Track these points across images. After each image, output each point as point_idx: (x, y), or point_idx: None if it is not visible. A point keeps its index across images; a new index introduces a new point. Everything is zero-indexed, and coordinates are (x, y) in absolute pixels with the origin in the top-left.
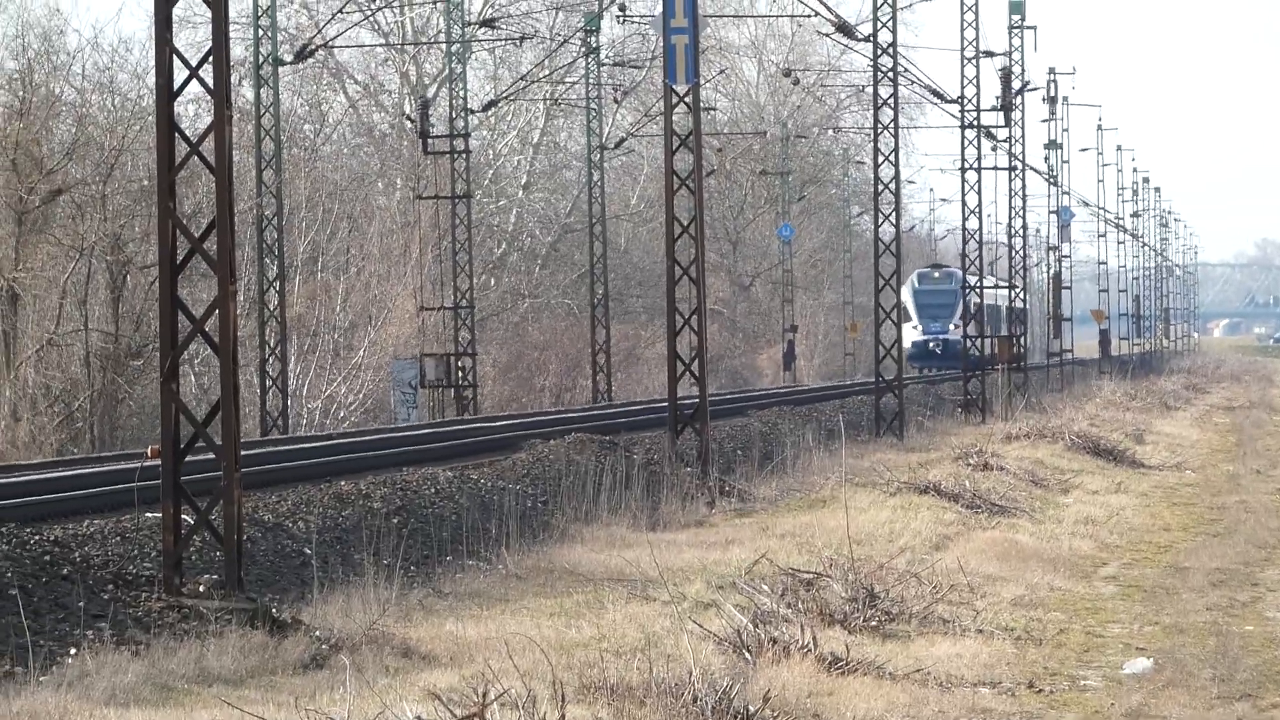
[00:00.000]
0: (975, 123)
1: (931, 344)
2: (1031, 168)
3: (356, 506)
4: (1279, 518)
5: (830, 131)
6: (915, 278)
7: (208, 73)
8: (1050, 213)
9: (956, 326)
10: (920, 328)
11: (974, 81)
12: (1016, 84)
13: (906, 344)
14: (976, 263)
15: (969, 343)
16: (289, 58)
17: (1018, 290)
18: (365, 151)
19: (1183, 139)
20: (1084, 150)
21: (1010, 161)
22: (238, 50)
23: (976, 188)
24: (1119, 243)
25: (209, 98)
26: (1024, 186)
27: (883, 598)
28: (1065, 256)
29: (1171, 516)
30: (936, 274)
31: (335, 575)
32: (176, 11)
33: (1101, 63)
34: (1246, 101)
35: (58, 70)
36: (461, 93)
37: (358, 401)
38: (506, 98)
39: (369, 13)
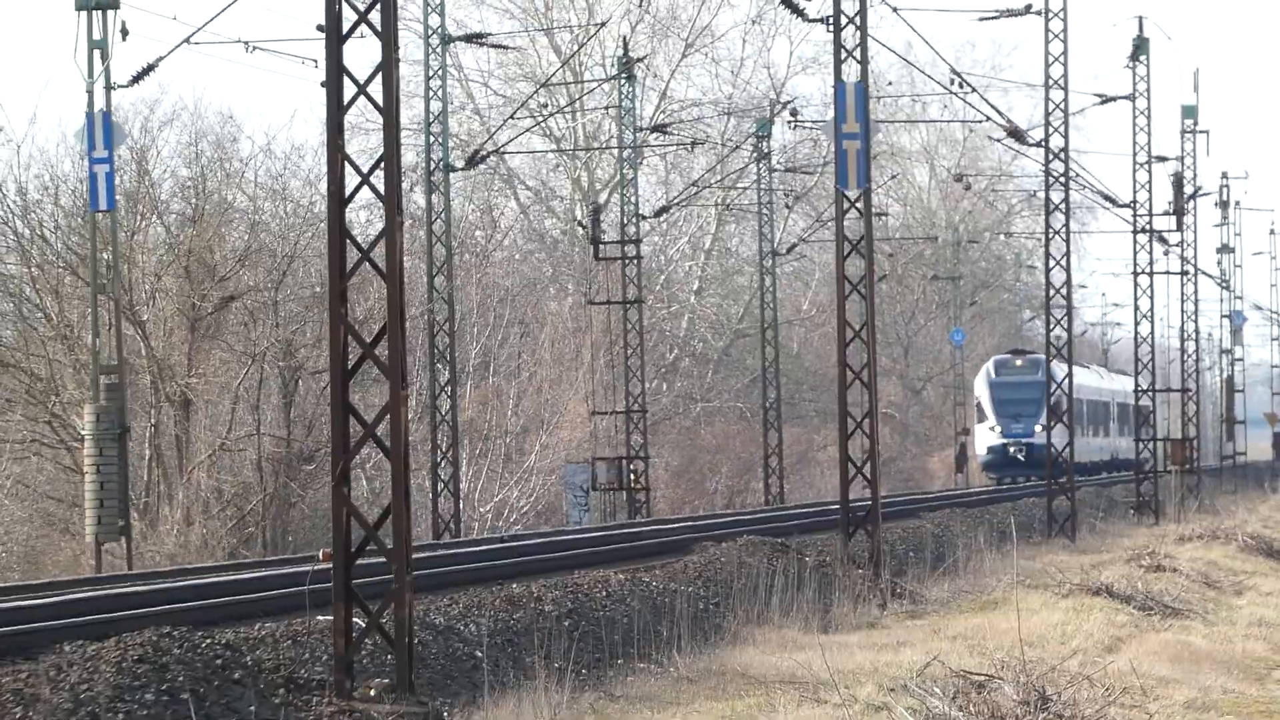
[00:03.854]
0: (1147, 227)
1: (1012, 449)
2: (1204, 272)
3: (528, 609)
4: None
5: (1002, 236)
6: (991, 366)
7: (379, 179)
8: (1223, 316)
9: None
10: (998, 428)
11: (1146, 186)
12: (1189, 189)
13: (980, 449)
14: (1149, 365)
15: (1141, 447)
16: (460, 164)
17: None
18: (537, 257)
19: None
20: (1257, 254)
21: (1182, 266)
22: (409, 156)
23: (1149, 292)
24: None
25: (381, 204)
26: (1196, 291)
27: (1055, 700)
28: (1238, 360)
29: None
30: (1019, 361)
31: (506, 678)
32: (349, 118)
33: (1276, 165)
34: None
35: (230, 178)
36: (633, 198)
37: (529, 505)
38: (678, 203)
39: (540, 119)
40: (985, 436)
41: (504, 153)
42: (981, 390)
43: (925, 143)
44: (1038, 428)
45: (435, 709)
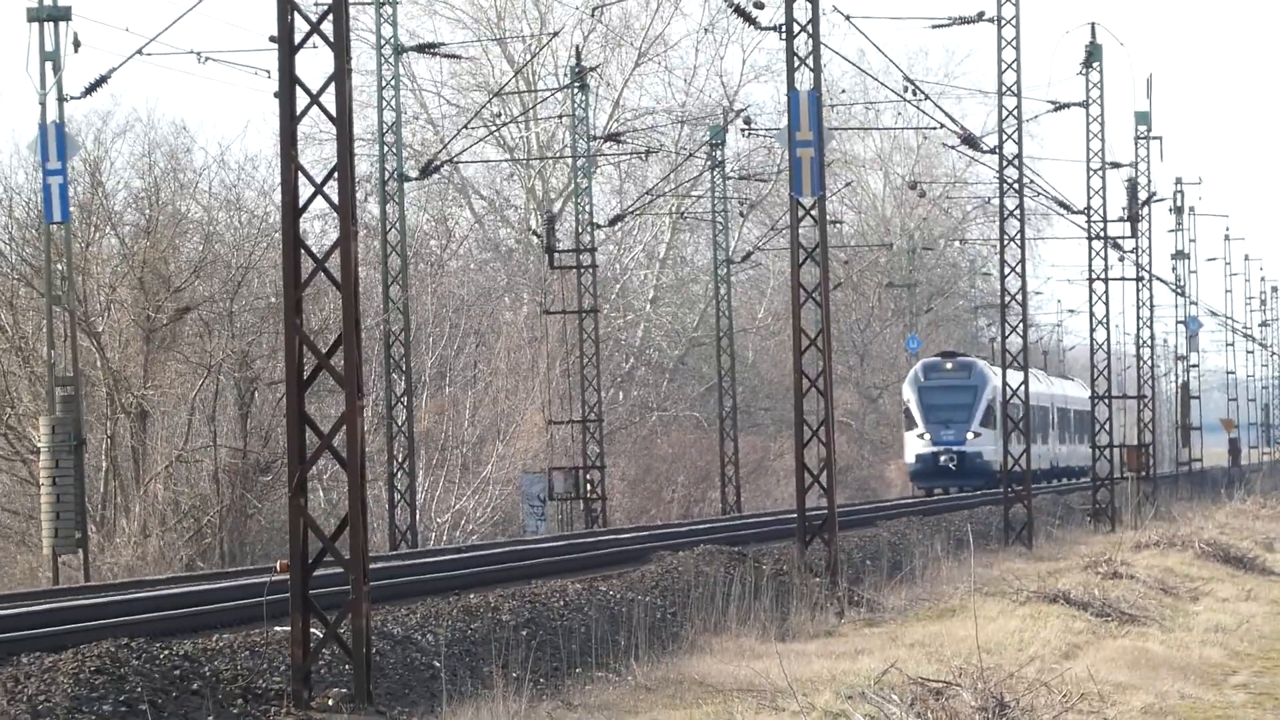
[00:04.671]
0: (1102, 234)
1: (943, 458)
2: (1159, 278)
3: (485, 619)
4: None
5: (957, 243)
6: (919, 370)
7: (333, 189)
8: (1178, 323)
9: (978, 434)
10: (928, 436)
11: (1100, 192)
12: (1143, 195)
13: (909, 457)
14: (1105, 373)
15: (1094, 453)
16: (414, 174)
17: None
18: (492, 266)
19: None
20: (1211, 260)
21: (1137, 272)
22: (363, 166)
23: (1104, 298)
24: (1248, 352)
25: (335, 214)
26: (1151, 297)
27: (1013, 707)
28: (1194, 366)
29: None
30: (949, 365)
31: (464, 688)
32: (302, 128)
33: (1229, 171)
34: None
35: (184, 188)
36: (587, 207)
37: (486, 515)
38: (632, 212)
39: (494, 128)
40: (914, 445)
41: (458, 162)
42: (910, 395)
43: (879, 150)
44: (970, 435)
45: (393, 718)
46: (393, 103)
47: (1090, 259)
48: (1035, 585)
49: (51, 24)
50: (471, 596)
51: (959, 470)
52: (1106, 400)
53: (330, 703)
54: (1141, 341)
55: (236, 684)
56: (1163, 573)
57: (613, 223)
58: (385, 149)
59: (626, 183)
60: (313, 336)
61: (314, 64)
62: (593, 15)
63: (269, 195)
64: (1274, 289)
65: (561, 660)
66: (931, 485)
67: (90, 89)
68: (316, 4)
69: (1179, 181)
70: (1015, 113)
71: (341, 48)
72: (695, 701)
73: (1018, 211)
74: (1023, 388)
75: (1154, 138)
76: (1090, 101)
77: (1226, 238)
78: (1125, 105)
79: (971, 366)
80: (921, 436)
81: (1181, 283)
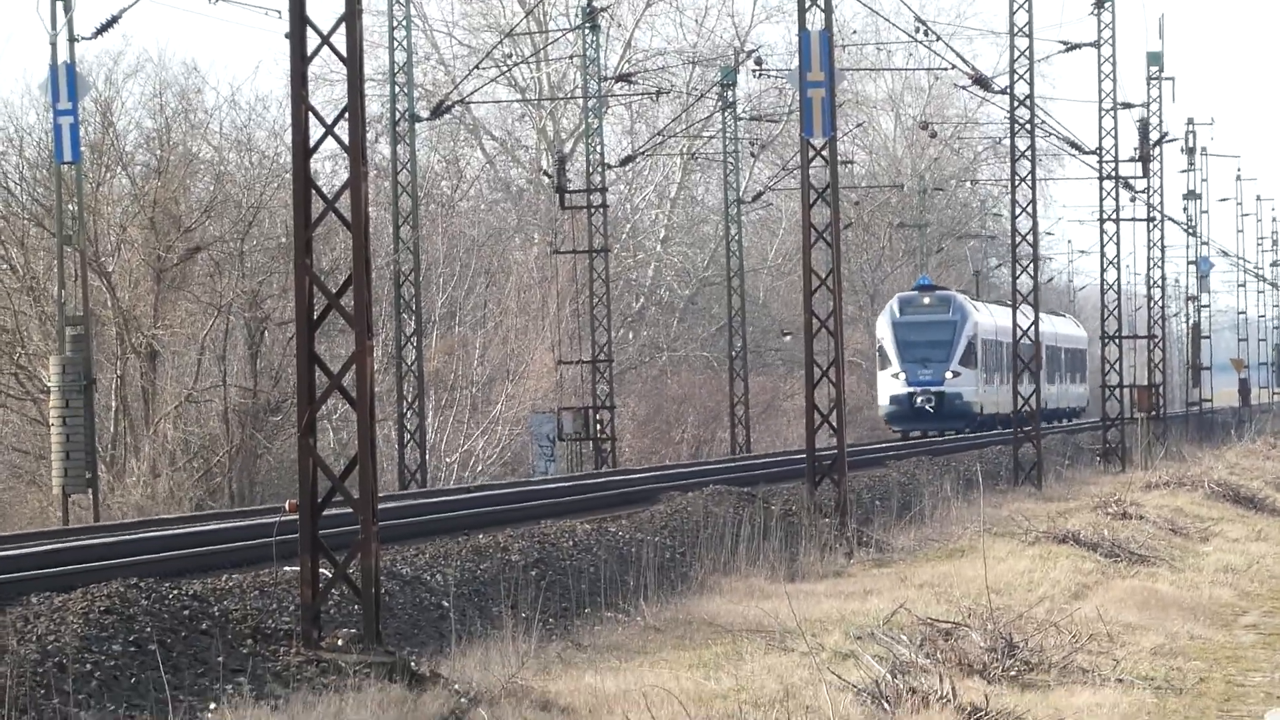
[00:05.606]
0: (1113, 174)
1: (919, 398)
2: (1170, 219)
3: (494, 559)
4: None
5: (968, 184)
6: (895, 305)
7: (344, 129)
8: (1189, 263)
9: (957, 374)
10: (903, 375)
11: (1112, 133)
12: (1155, 135)
13: (883, 399)
14: (1116, 312)
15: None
16: (425, 114)
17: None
18: (502, 207)
19: None
20: (1223, 200)
21: (1149, 213)
22: (374, 107)
23: (1115, 239)
24: (1259, 292)
25: (345, 154)
26: (1163, 237)
27: (1022, 647)
28: (1204, 306)
29: None
30: (926, 299)
31: (473, 628)
32: (313, 69)
33: (1241, 112)
34: None
35: (195, 129)
36: (598, 147)
37: (496, 455)
38: (643, 152)
39: (505, 68)
40: (888, 385)
41: (469, 103)
42: (884, 332)
43: (890, 91)
44: (948, 374)
45: (402, 658)
46: (404, 43)
47: (1101, 199)
48: (1044, 526)
49: None
50: (481, 536)
51: (937, 412)
52: (1117, 340)
53: (339, 643)
54: (1152, 282)
55: (246, 624)
56: (1172, 513)
57: (624, 163)
58: (396, 89)
59: (637, 123)
60: (323, 276)
61: (325, 4)
62: None
63: (280, 136)
64: None
65: (570, 600)
66: (908, 428)
67: (101, 29)
68: None
69: (1191, 122)
70: (1027, 53)
71: None
72: (704, 642)
73: (1029, 152)
74: (1033, 328)
75: (1166, 78)
76: (1102, 42)
77: (1238, 178)
78: (1137, 45)
79: (950, 300)
80: (896, 376)
81: (1193, 223)
